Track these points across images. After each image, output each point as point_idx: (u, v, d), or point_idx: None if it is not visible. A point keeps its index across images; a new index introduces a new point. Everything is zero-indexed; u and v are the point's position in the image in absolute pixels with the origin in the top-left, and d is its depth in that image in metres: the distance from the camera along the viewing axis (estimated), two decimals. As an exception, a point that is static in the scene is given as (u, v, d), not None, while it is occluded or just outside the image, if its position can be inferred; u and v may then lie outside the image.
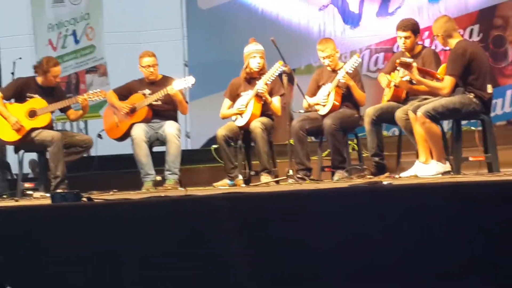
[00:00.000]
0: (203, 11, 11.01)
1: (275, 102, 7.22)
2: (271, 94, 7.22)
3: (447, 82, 6.03)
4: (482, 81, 6.10)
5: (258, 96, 7.17)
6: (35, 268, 3.62)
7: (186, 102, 7.66)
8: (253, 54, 7.31)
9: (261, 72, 7.28)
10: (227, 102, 7.50)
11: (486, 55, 6.54)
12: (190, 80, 7.37)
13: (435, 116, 6.01)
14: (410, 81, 6.50)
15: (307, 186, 6.15)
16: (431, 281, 3.53)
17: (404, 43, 6.62)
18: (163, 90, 7.30)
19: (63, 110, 7.54)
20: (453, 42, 6.16)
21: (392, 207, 3.70)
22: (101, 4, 10.94)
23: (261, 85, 7.12)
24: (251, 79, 7.33)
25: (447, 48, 6.45)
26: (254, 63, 7.29)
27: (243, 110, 7.24)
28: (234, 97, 7.44)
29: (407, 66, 6.22)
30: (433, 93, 6.31)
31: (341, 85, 6.99)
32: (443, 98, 6.10)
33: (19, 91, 7.37)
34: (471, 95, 6.05)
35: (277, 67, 7.09)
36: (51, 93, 7.44)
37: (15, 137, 7.21)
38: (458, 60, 6.03)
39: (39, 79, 7.42)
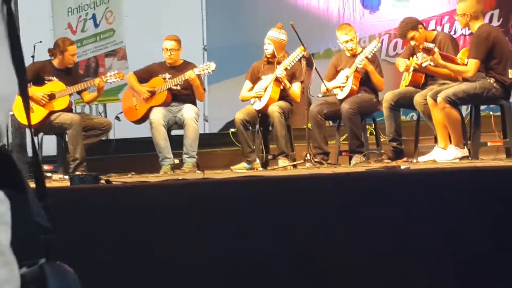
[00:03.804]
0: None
1: (295, 88, 7.21)
2: (291, 79, 7.21)
3: (472, 65, 5.99)
4: (504, 66, 6.06)
5: (277, 80, 7.17)
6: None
7: (204, 89, 7.66)
8: (265, 40, 7.33)
9: (272, 58, 7.28)
10: (247, 84, 7.50)
11: (507, 40, 6.51)
12: (211, 66, 7.37)
13: (456, 101, 5.99)
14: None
15: (324, 170, 6.15)
16: (448, 265, 3.52)
17: (415, 44, 6.58)
18: (183, 75, 7.31)
19: (79, 92, 7.57)
20: (475, 25, 6.11)
21: (409, 192, 3.70)
22: (121, -12, 10.97)
23: (280, 70, 7.12)
24: (272, 63, 7.33)
25: (467, 33, 6.41)
26: (265, 49, 7.32)
27: (261, 94, 7.24)
28: (255, 80, 7.44)
29: (429, 51, 6.20)
30: (453, 77, 6.30)
31: (360, 70, 6.97)
32: (463, 83, 6.08)
33: (36, 75, 7.39)
34: (492, 80, 6.02)
35: (298, 53, 7.08)
36: (68, 75, 7.48)
37: (34, 120, 7.25)
38: (482, 43, 5.99)
39: (56, 62, 7.45)
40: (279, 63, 7.22)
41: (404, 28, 6.63)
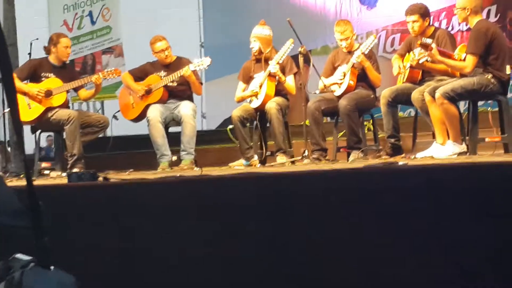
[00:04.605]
0: (219, -8, 11.03)
1: (289, 81, 7.22)
2: (284, 73, 7.21)
3: (470, 60, 5.99)
4: (501, 62, 6.05)
5: (271, 76, 7.17)
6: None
7: (201, 83, 7.66)
8: (250, 39, 7.34)
9: (259, 55, 7.29)
10: (241, 85, 7.51)
11: (504, 36, 6.50)
12: (206, 61, 7.37)
13: (454, 97, 5.98)
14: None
15: (322, 166, 6.15)
16: (446, 261, 3.52)
17: (412, 28, 6.61)
18: (178, 72, 7.31)
19: (75, 89, 7.57)
20: (474, 20, 6.11)
21: (407, 188, 3.69)
22: (117, -15, 10.96)
23: (273, 65, 7.12)
24: (261, 60, 7.33)
25: (464, 29, 6.40)
26: (251, 47, 7.32)
27: (257, 92, 7.24)
28: (247, 80, 7.45)
29: (427, 47, 6.20)
30: (450, 72, 6.30)
31: (357, 66, 6.97)
32: (461, 79, 6.07)
33: (33, 72, 7.39)
34: (489, 76, 6.01)
35: (288, 46, 7.10)
36: (65, 71, 7.49)
37: (32, 116, 7.24)
38: (481, 38, 5.98)
39: (52, 58, 7.46)
40: (267, 58, 7.23)
41: (415, 8, 6.61)
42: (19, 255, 1.29)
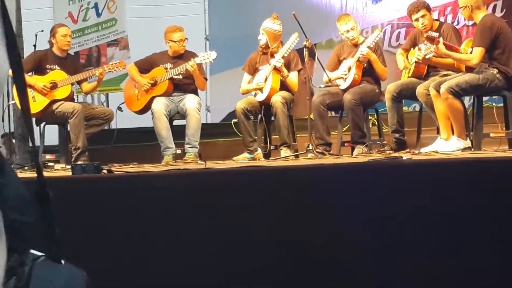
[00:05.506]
0: (225, -15, 11.01)
1: (292, 77, 7.21)
2: (288, 67, 7.20)
3: (476, 53, 5.97)
4: (507, 57, 6.04)
5: (276, 69, 7.16)
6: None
7: (205, 78, 7.65)
8: (260, 31, 7.33)
9: (266, 49, 7.28)
10: (246, 76, 7.50)
11: (510, 30, 6.48)
12: (212, 55, 7.36)
13: (459, 92, 5.98)
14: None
15: (326, 160, 6.15)
16: (450, 256, 3.52)
17: (423, 23, 6.58)
18: (184, 65, 7.30)
19: (78, 82, 7.57)
20: (479, 15, 6.10)
21: (411, 183, 3.69)
22: (123, -23, 10.95)
23: (278, 59, 7.12)
24: (267, 53, 7.32)
25: (470, 23, 6.38)
26: (259, 40, 7.32)
27: (262, 85, 7.23)
28: (252, 71, 7.44)
29: (433, 40, 6.19)
30: (456, 67, 6.29)
31: (362, 59, 6.96)
32: (467, 74, 6.06)
33: (38, 63, 7.40)
34: (495, 71, 6.00)
35: (293, 39, 7.09)
36: (68, 63, 7.49)
37: (36, 109, 7.25)
38: (486, 32, 5.97)
39: (55, 49, 7.47)
40: (273, 53, 7.22)
41: (419, 4, 6.59)
42: (32, 251, 1.28)
